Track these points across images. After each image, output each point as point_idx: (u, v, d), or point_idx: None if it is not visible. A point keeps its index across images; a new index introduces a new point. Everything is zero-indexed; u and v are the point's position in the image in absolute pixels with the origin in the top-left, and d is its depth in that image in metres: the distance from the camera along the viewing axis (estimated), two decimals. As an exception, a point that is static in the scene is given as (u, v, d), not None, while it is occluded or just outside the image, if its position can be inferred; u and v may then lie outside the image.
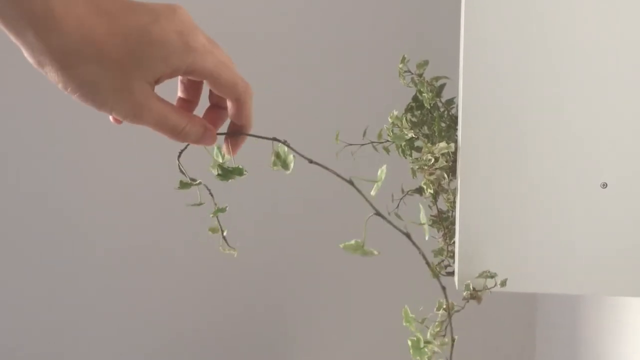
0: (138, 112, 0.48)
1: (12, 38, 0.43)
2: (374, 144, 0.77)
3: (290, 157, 0.56)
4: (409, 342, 0.58)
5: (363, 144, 0.77)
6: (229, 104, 0.54)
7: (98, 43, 0.44)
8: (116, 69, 0.45)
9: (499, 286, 0.65)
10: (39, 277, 1.52)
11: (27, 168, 1.50)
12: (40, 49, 0.43)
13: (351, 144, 0.76)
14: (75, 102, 0.47)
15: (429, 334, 0.60)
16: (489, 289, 0.65)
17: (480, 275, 0.65)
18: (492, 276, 0.65)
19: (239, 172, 0.57)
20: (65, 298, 1.52)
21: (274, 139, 0.56)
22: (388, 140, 0.75)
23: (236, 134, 0.56)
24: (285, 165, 0.56)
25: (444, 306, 0.59)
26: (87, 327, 1.53)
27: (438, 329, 0.60)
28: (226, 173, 0.57)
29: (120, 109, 0.48)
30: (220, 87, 0.52)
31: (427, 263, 0.52)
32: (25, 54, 0.44)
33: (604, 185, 0.65)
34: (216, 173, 0.58)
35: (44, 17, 0.42)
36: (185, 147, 0.57)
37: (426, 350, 0.57)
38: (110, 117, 0.53)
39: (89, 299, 1.53)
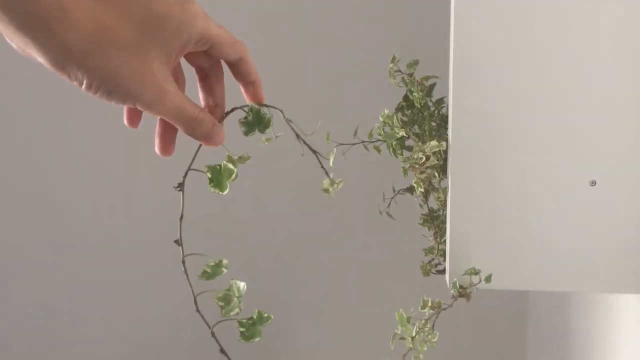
0: (161, 96, 0.48)
1: (24, 44, 0.43)
2: (365, 143, 0.77)
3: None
4: None
5: (354, 144, 0.77)
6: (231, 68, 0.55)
7: (111, 30, 0.44)
8: (134, 51, 0.45)
9: (484, 282, 0.65)
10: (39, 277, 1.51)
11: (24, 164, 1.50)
12: (56, 45, 0.43)
13: (342, 144, 0.76)
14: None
15: (414, 331, 0.60)
16: (475, 285, 0.65)
17: (466, 273, 0.66)
18: (477, 273, 0.65)
19: (265, 123, 0.58)
20: (65, 294, 1.52)
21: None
22: (379, 140, 0.76)
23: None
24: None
25: (429, 304, 0.59)
26: (84, 326, 1.53)
27: (425, 327, 0.60)
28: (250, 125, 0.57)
29: (145, 94, 0.47)
30: (224, 48, 0.52)
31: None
32: (41, 58, 0.43)
33: (593, 183, 0.65)
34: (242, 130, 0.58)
35: (56, 10, 0.42)
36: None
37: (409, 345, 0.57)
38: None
39: (86, 298, 1.52)
